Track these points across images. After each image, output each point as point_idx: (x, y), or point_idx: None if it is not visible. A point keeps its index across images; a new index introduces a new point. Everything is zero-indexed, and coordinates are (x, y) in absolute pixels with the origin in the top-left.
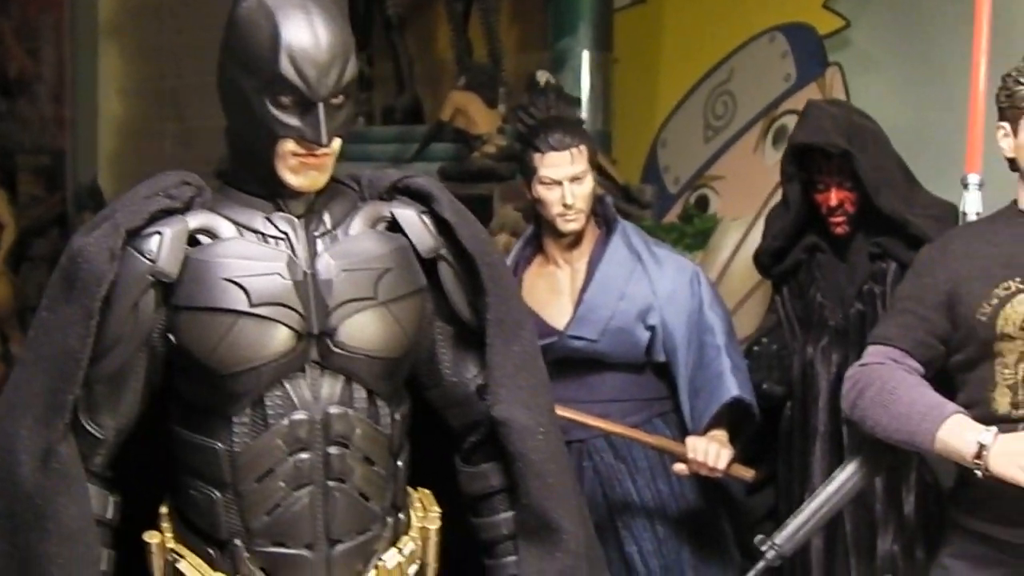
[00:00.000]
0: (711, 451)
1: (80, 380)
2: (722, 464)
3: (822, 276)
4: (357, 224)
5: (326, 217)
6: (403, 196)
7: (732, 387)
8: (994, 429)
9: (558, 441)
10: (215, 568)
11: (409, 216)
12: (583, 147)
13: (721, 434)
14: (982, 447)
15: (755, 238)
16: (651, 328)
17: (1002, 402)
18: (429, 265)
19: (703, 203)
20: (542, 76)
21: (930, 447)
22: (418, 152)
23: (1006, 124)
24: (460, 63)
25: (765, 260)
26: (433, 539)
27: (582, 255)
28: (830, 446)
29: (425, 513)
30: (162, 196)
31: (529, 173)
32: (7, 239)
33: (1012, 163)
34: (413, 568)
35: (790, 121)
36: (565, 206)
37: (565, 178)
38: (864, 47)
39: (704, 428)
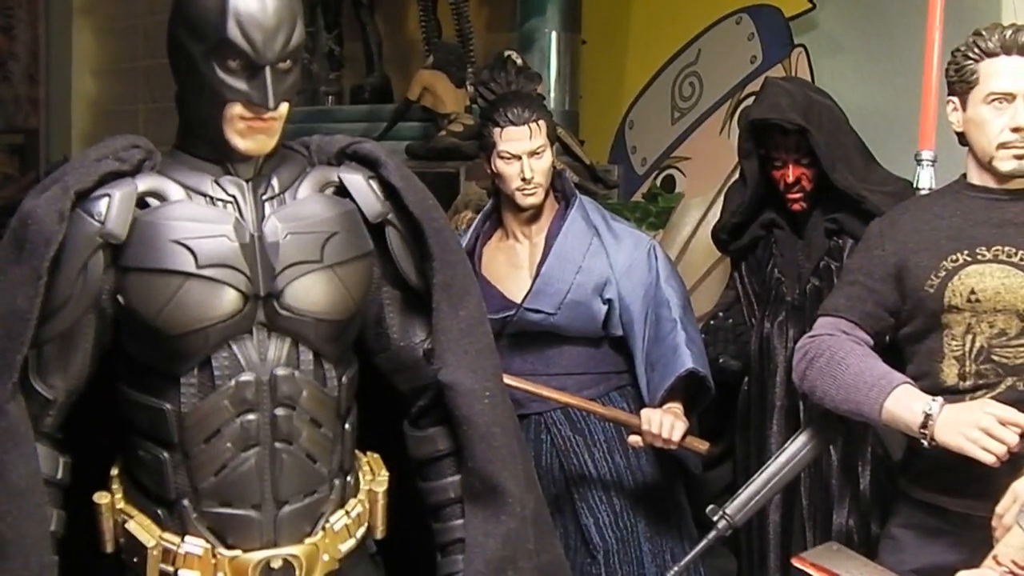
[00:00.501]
0: (665, 423)
1: (28, 340)
2: (676, 436)
3: (779, 252)
4: (305, 188)
5: (274, 181)
6: (351, 161)
7: (687, 360)
8: (940, 399)
9: (504, 406)
10: (163, 528)
11: (357, 181)
12: (542, 122)
13: (676, 407)
14: (928, 417)
15: (715, 215)
16: (608, 302)
17: (950, 373)
18: (377, 230)
19: (670, 183)
20: (511, 57)
21: (877, 417)
22: (386, 131)
23: (955, 99)
24: (429, 43)
25: (723, 236)
26: (381, 502)
27: (540, 229)
28: (787, 421)
29: (373, 476)
30: (111, 159)
31: (488, 147)
32: None
33: (961, 137)
34: (361, 530)
35: None
36: (524, 180)
37: (524, 152)
38: (829, 29)
39: (659, 401)
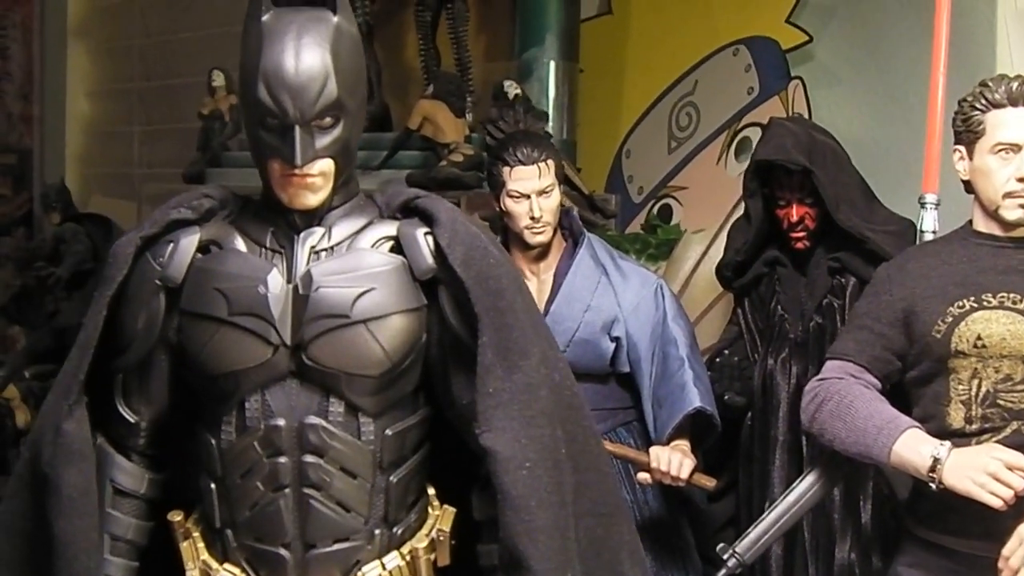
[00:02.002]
0: (674, 461)
1: (86, 368)
2: (684, 473)
3: (782, 289)
4: (364, 241)
5: (334, 232)
6: (413, 216)
7: (695, 398)
8: (948, 444)
9: (549, 477)
10: (210, 552)
11: (412, 236)
12: (551, 161)
13: (684, 444)
14: (936, 461)
15: (718, 250)
16: (616, 340)
17: (956, 417)
18: (431, 286)
19: (666, 213)
20: (510, 86)
21: (886, 460)
22: (386, 159)
23: (962, 148)
24: (428, 72)
25: (727, 273)
26: (423, 557)
27: (549, 267)
28: (789, 456)
29: (430, 531)
30: (183, 208)
31: (497, 186)
32: None
33: (967, 185)
34: None
35: (753, 133)
36: (532, 219)
37: (533, 191)
38: (826, 62)
39: (667, 438)
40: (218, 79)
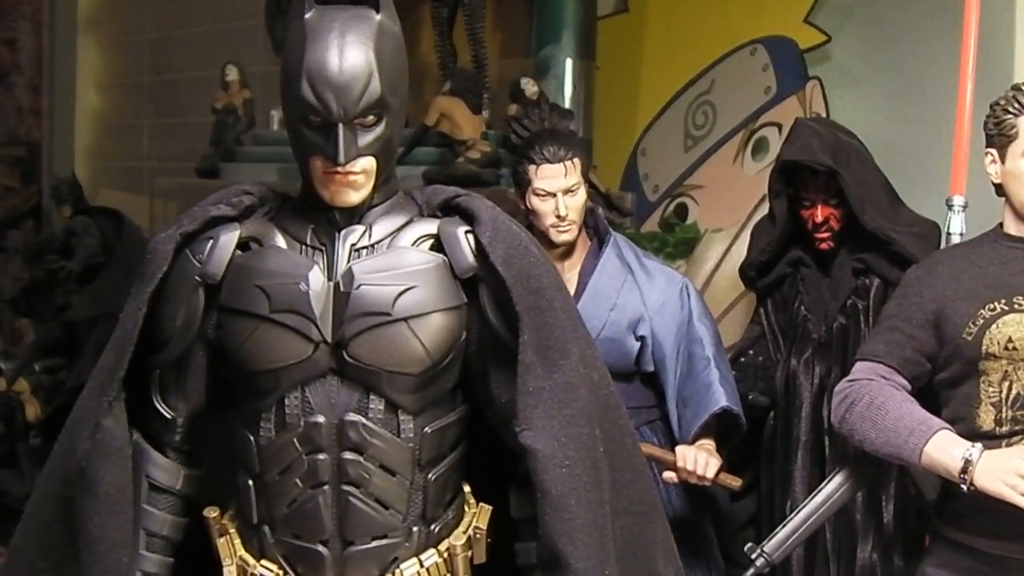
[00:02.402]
0: (700, 460)
1: (126, 364)
2: (710, 473)
3: (806, 290)
4: (405, 239)
5: (375, 230)
6: (454, 214)
7: (721, 398)
8: (979, 445)
9: (588, 476)
10: (247, 549)
11: (452, 234)
12: (577, 160)
13: (709, 443)
14: (968, 462)
15: (739, 250)
16: (641, 339)
17: (986, 419)
18: (471, 284)
19: (682, 212)
20: (527, 83)
21: (917, 462)
22: (402, 156)
23: (993, 151)
24: (444, 68)
25: (751, 273)
26: (460, 555)
27: (573, 266)
28: (811, 455)
29: (467, 529)
30: (223, 205)
31: (523, 184)
32: None
33: (998, 188)
34: None
35: (770, 133)
36: (558, 217)
37: (559, 190)
38: (844, 62)
39: (692, 437)
40: (232, 73)
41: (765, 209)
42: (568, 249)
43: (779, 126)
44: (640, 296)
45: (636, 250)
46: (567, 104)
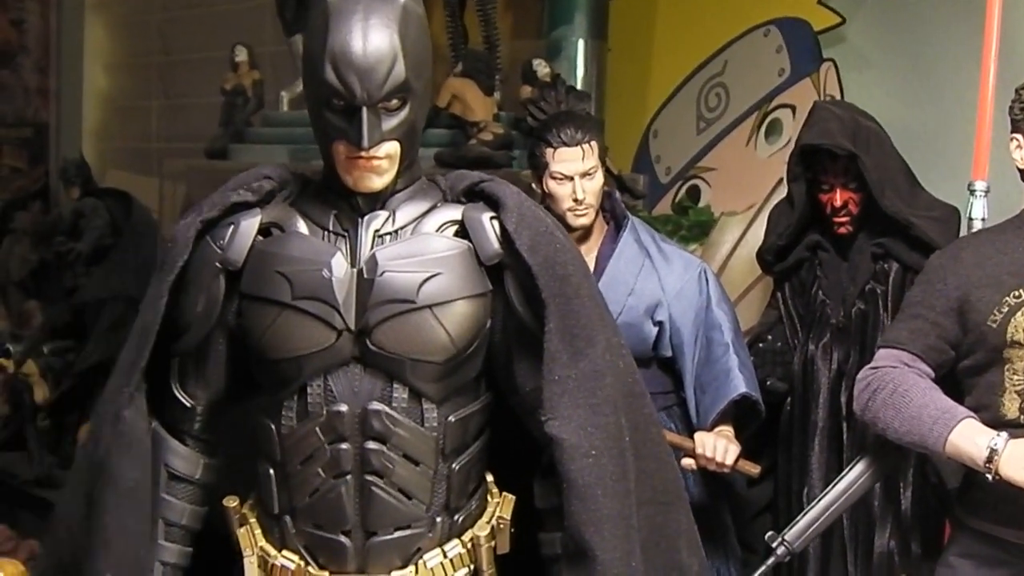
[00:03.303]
0: (719, 447)
1: (148, 354)
2: (730, 459)
3: (824, 274)
4: (429, 225)
5: (398, 216)
6: (478, 200)
7: (740, 384)
8: (1005, 435)
9: (614, 465)
10: (267, 539)
11: (477, 220)
12: (594, 143)
13: (728, 430)
14: (993, 452)
15: (755, 234)
16: (659, 324)
17: (1011, 407)
18: (496, 271)
19: (694, 194)
20: (539, 65)
21: (941, 450)
22: None
23: (1019, 136)
24: (455, 49)
25: (768, 257)
26: (484, 546)
27: (590, 250)
28: (829, 441)
29: (490, 519)
30: (243, 190)
31: (540, 167)
32: None
33: (1023, 174)
34: (462, 572)
35: (783, 115)
36: (575, 201)
37: (576, 173)
38: (858, 44)
39: (711, 423)
40: (241, 54)
41: (781, 193)
42: (585, 233)
43: (793, 108)
44: (658, 281)
45: (654, 234)
46: (579, 86)
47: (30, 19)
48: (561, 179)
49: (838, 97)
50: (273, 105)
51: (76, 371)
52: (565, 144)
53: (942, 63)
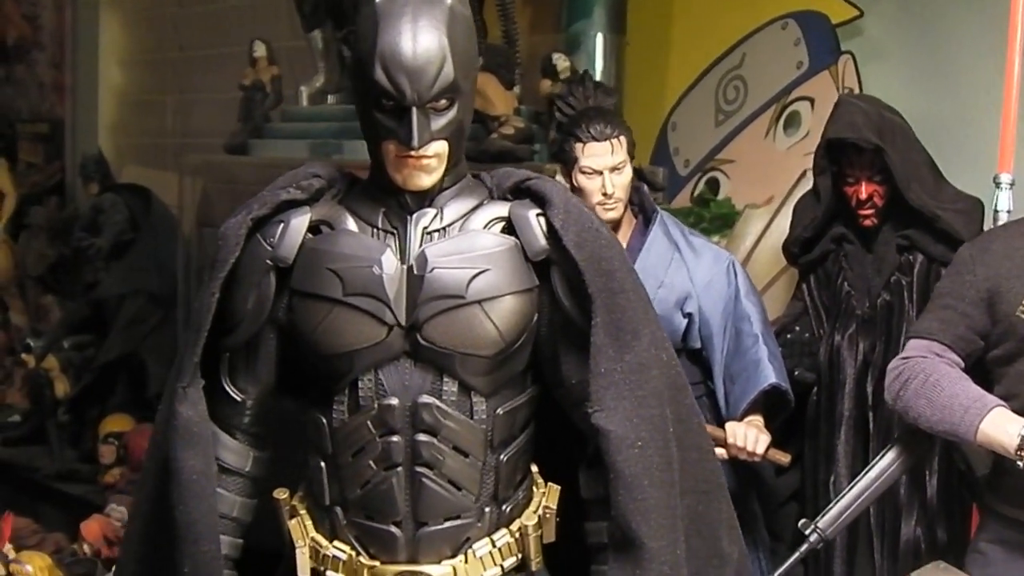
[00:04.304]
0: (750, 436)
1: (200, 350)
2: (761, 449)
3: (849, 266)
4: (476, 222)
5: (446, 213)
6: (525, 197)
7: (770, 374)
8: None
9: (660, 456)
10: (318, 530)
11: (524, 217)
12: (623, 137)
13: (758, 419)
14: None
15: (778, 226)
16: (688, 316)
17: None
18: (543, 267)
19: (713, 186)
20: (559, 59)
21: (972, 438)
22: None
23: None
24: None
25: (794, 249)
26: (532, 534)
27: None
28: (855, 431)
29: (536, 509)
30: (292, 188)
31: (569, 162)
32: (7, 208)
33: None
34: (510, 560)
35: (802, 108)
36: (605, 195)
37: (606, 168)
38: (876, 37)
39: (741, 413)
40: (259, 50)
41: (804, 186)
42: (614, 227)
43: (811, 101)
44: (687, 273)
45: (682, 227)
46: (597, 79)
47: (44, 15)
48: (590, 173)
49: (856, 89)
50: (291, 100)
51: (96, 366)
52: (594, 139)
53: (960, 55)
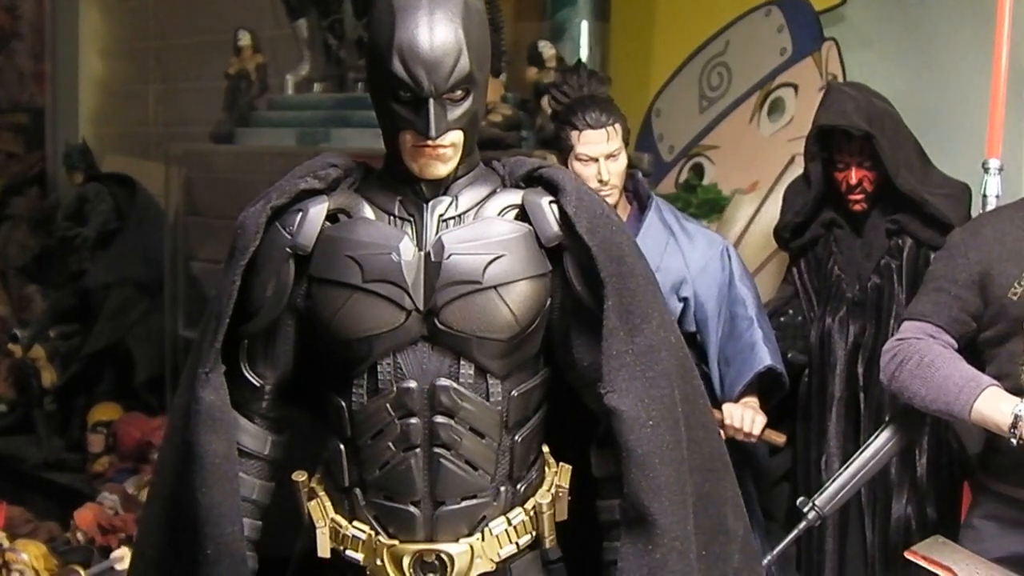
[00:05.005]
0: (746, 417)
1: (222, 336)
2: (757, 429)
3: (839, 250)
4: (490, 209)
5: (461, 200)
6: (537, 185)
7: (765, 357)
8: None
9: (670, 435)
10: (337, 511)
11: (537, 204)
12: (618, 125)
13: (753, 401)
14: (1018, 418)
15: (768, 211)
16: (684, 300)
17: None
18: (555, 252)
19: (698, 172)
20: (544, 46)
21: (967, 417)
22: None
23: None
24: None
25: (785, 234)
26: (546, 513)
27: None
28: (846, 411)
29: (550, 487)
30: (310, 178)
31: (565, 150)
32: None
33: None
34: (525, 539)
35: (786, 94)
36: (600, 182)
37: (601, 155)
38: (859, 23)
39: (737, 395)
40: (244, 39)
41: (793, 172)
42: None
43: (795, 87)
44: (683, 258)
45: (676, 213)
46: None
47: (23, 4)
48: (586, 160)
49: (840, 76)
50: (277, 89)
51: (83, 355)
52: (590, 127)
53: (944, 41)
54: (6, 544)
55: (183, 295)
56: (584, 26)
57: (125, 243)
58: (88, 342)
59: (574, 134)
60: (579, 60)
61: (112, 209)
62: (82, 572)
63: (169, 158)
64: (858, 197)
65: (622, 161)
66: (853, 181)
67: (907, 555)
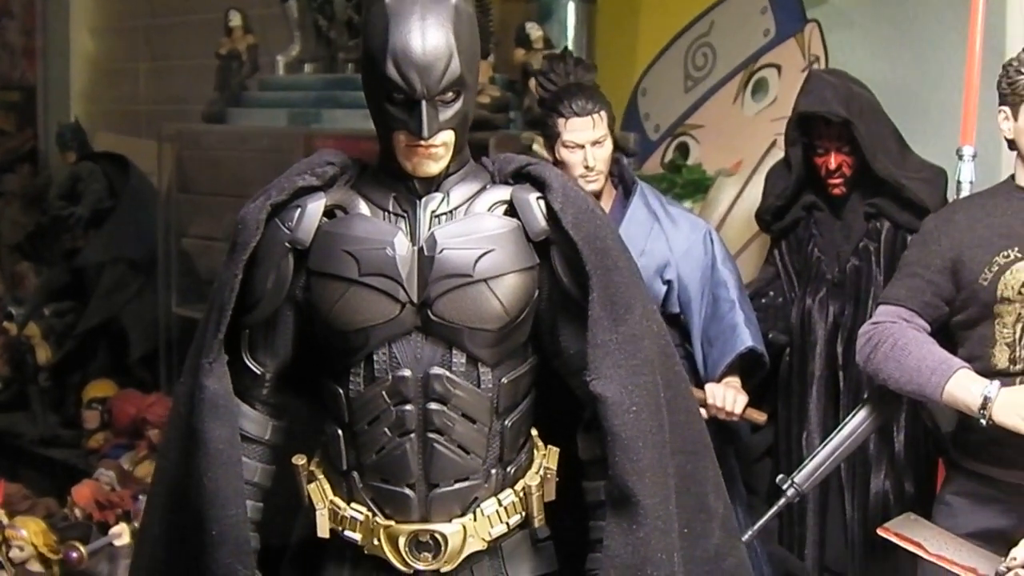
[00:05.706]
0: (728, 396)
1: (225, 327)
2: (739, 408)
3: (819, 233)
4: (480, 205)
5: (452, 197)
6: (525, 181)
7: (747, 338)
8: (997, 383)
9: (652, 420)
10: (336, 493)
11: (525, 200)
12: (604, 112)
13: (735, 381)
14: (987, 399)
15: (750, 193)
16: (667, 283)
17: (1001, 358)
18: (543, 246)
19: (684, 151)
20: (532, 28)
21: (939, 398)
22: None
23: (1007, 108)
24: None
25: (767, 218)
26: (535, 494)
27: None
28: (826, 390)
29: (538, 470)
30: (308, 175)
31: (552, 136)
32: None
33: (1011, 144)
34: (515, 518)
35: (769, 74)
36: (587, 168)
37: (587, 142)
38: (842, 6)
39: (719, 375)
40: (235, 19)
41: (774, 155)
42: (595, 198)
43: (778, 68)
44: (666, 242)
45: (661, 198)
46: (569, 47)
47: None
48: (573, 147)
49: (822, 57)
50: (268, 68)
51: (77, 332)
52: (576, 114)
53: (925, 25)
54: (6, 521)
55: (176, 273)
56: (571, 7)
57: (118, 222)
58: (82, 320)
59: (560, 121)
60: (566, 47)
61: (105, 188)
62: (82, 548)
63: (162, 137)
64: (837, 181)
65: (608, 147)
66: (832, 166)
67: (879, 532)
